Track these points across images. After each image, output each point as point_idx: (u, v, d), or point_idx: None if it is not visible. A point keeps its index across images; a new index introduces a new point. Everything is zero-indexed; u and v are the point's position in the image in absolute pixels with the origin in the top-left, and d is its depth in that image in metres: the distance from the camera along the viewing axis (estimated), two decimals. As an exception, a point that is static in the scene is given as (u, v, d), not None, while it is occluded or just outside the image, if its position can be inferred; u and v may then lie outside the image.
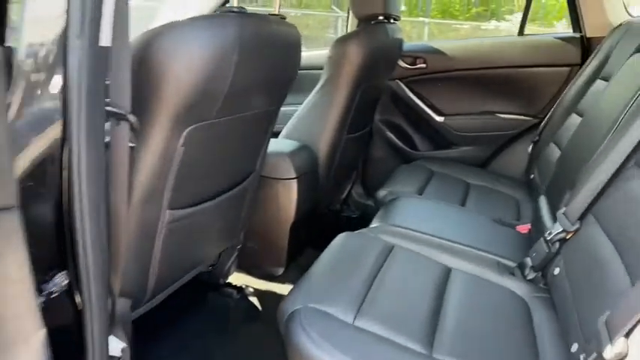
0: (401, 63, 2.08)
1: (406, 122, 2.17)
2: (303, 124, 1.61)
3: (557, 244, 0.98)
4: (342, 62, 1.52)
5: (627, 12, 1.79)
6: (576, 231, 0.94)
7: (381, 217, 1.30)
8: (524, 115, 1.99)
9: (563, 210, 1.00)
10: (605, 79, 1.48)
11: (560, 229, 0.97)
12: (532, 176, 1.72)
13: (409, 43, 2.18)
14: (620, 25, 1.64)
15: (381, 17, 1.64)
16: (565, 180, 1.16)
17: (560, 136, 1.60)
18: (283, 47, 1.08)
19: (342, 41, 1.56)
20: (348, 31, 2.10)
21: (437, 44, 2.08)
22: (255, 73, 0.98)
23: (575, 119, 1.56)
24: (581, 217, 0.94)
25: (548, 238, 0.99)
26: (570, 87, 1.75)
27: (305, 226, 1.60)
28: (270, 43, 1.02)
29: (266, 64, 1.01)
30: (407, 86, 2.11)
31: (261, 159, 1.24)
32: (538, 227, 1.23)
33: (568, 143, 1.31)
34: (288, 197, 1.41)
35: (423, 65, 2.06)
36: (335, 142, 1.61)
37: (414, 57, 2.08)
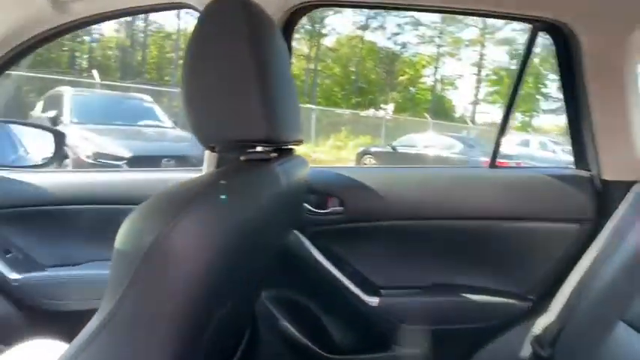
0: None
1: (312, 301, 1.25)
2: None
3: None
4: (164, 272, 0.53)
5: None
6: None
7: None
8: (506, 297, 1.19)
9: None
10: None
11: None
12: None
13: (311, 167, 1.32)
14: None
15: (260, 148, 0.72)
16: None
17: None
18: None
19: (157, 221, 0.50)
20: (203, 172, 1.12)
21: (358, 172, 1.24)
22: None
23: (625, 339, 0.80)
24: None
25: None
26: (591, 260, 1.01)
27: None
28: None
29: None
30: (312, 241, 1.21)
31: None
32: None
33: None
34: None
35: (339, 208, 1.20)
36: None
37: (322, 194, 1.21)
